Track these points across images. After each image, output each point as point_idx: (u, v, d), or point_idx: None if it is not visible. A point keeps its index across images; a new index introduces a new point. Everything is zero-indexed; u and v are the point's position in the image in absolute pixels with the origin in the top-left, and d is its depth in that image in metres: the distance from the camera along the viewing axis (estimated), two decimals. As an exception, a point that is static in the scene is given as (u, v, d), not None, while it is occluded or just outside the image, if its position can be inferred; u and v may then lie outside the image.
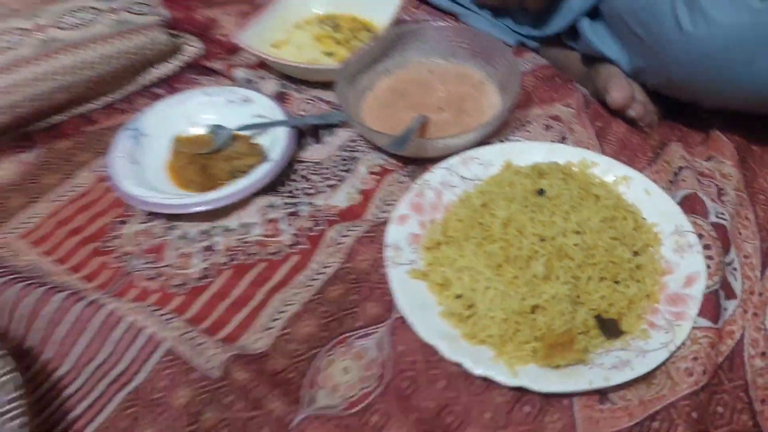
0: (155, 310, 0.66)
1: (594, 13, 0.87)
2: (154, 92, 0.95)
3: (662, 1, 0.72)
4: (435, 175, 0.73)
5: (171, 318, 0.65)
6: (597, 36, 0.86)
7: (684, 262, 0.61)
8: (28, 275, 0.68)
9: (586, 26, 0.88)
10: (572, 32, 0.94)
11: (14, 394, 0.53)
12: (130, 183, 0.76)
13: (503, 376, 0.55)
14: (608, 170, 0.72)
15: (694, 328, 0.57)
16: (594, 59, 0.90)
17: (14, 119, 0.85)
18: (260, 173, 0.76)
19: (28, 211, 0.79)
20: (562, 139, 0.80)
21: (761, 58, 0.66)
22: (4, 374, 0.54)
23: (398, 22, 0.96)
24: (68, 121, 0.91)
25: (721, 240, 0.64)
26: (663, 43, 0.72)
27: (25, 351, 0.63)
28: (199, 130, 0.86)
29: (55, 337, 0.63)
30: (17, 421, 0.52)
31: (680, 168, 0.73)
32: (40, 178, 0.84)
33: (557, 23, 0.94)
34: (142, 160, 0.81)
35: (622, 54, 0.82)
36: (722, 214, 0.66)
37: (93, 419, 0.59)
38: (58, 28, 0.87)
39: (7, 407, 0.52)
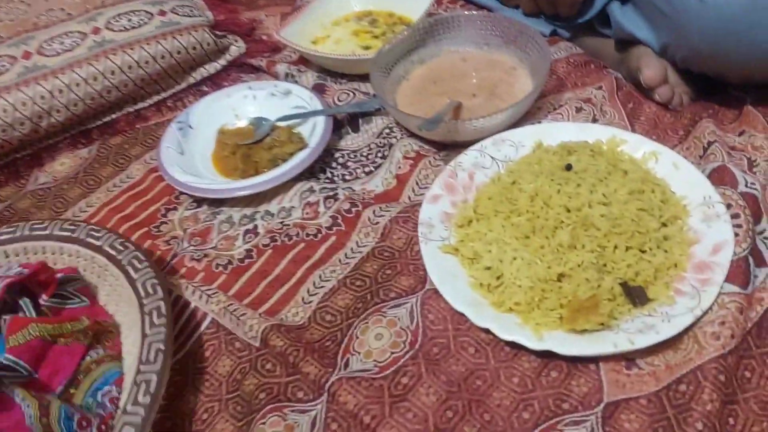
0: (200, 286, 0.70)
1: (623, -3, 0.88)
2: (201, 90, 1.01)
3: None
4: (467, 156, 0.75)
5: (215, 293, 0.69)
6: (626, 18, 0.87)
7: (711, 231, 0.62)
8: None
9: (616, 10, 0.89)
10: (604, 18, 0.95)
11: (159, 321, 0.59)
12: (177, 171, 0.81)
13: (530, 340, 0.57)
14: (637, 147, 0.72)
15: (721, 293, 0.58)
16: (626, 43, 0.91)
17: (71, 117, 0.92)
18: (299, 159, 0.80)
19: (85, 200, 0.85)
20: (593, 120, 0.81)
21: None
22: (155, 301, 0.61)
23: (433, 15, 0.99)
24: (121, 118, 0.97)
25: (751, 209, 0.64)
26: (685, 15, 0.72)
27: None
28: (243, 123, 0.90)
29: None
30: (157, 346, 0.57)
31: (710, 143, 0.73)
32: (96, 171, 0.90)
33: (588, 11, 0.95)
34: (189, 150, 0.86)
35: (650, 33, 0.82)
36: (753, 184, 0.66)
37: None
38: (112, 30, 0.93)
39: (153, 331, 0.58)
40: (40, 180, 0.90)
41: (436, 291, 0.64)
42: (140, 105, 0.98)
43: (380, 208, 0.75)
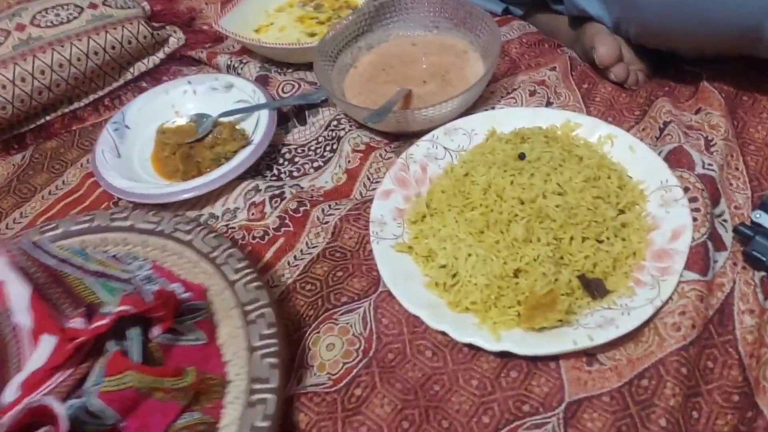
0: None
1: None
2: (140, 86, 0.96)
3: None
4: (419, 148, 0.72)
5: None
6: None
7: (669, 217, 0.60)
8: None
9: (568, -15, 0.86)
10: (557, -5, 0.92)
11: (267, 331, 0.54)
12: (114, 175, 0.76)
13: (487, 341, 0.54)
14: (592, 130, 0.70)
15: (681, 281, 0.56)
16: (580, 20, 0.88)
17: (1, 121, 0.86)
18: (242, 157, 0.76)
19: (19, 210, 0.80)
20: (548, 104, 0.79)
21: None
22: (261, 308, 0.56)
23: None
24: (56, 120, 0.91)
25: (708, 191, 0.62)
26: None
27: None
28: (183, 120, 0.86)
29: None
30: (269, 360, 0.53)
31: (666, 123, 0.71)
32: (30, 178, 0.85)
33: None
34: (126, 152, 0.81)
35: (602, 8, 0.80)
36: (710, 165, 0.64)
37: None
38: (38, 26, 0.88)
39: (261, 343, 0.53)
40: (-30, 188, 0.84)
41: (389, 293, 0.61)
42: (75, 105, 0.93)
43: (329, 206, 0.72)
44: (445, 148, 0.72)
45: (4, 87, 0.84)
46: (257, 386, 0.51)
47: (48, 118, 0.91)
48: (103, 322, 0.52)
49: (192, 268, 0.62)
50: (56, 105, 0.91)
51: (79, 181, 0.82)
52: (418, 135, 0.74)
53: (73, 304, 0.56)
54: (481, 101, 0.80)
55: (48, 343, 0.54)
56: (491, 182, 0.62)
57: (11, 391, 0.53)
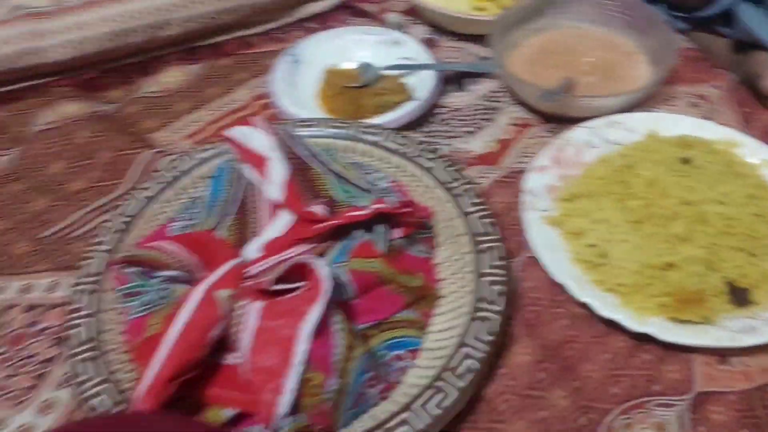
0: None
1: (755, -2, 0.86)
2: (308, 26, 1.01)
3: None
4: (578, 133, 0.75)
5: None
6: (756, 22, 0.85)
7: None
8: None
9: (746, 11, 0.87)
10: (725, 17, 0.93)
11: (498, 263, 0.60)
12: (288, 102, 0.82)
13: (630, 321, 0.58)
14: (754, 152, 0.72)
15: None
16: (746, 45, 0.89)
17: (184, 33, 0.94)
18: (405, 110, 0.81)
19: (192, 115, 0.88)
20: (707, 119, 0.81)
21: None
22: (493, 242, 0.62)
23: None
24: (230, 42, 0.98)
25: None
26: None
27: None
28: (350, 65, 0.91)
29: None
30: (497, 287, 0.58)
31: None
32: (203, 89, 0.92)
33: (712, 7, 0.93)
34: (297, 84, 0.88)
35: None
36: None
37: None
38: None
39: (491, 270, 0.59)
40: (151, 88, 0.92)
41: (534, 259, 0.65)
42: (248, 32, 1.00)
43: (481, 171, 0.76)
44: (603, 138, 0.75)
45: (193, 3, 0.91)
46: (482, 305, 0.57)
47: (223, 38, 0.98)
48: (363, 212, 0.61)
49: (424, 193, 0.68)
50: (232, 28, 0.98)
51: (248, 101, 0.89)
52: (573, 121, 0.77)
53: (312, 194, 0.63)
54: (640, 102, 0.82)
55: (285, 219, 0.65)
56: (656, 177, 0.65)
57: (253, 249, 0.63)
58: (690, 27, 0.99)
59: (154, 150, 0.81)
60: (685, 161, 0.68)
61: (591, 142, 0.75)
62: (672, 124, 0.75)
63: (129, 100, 0.90)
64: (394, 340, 0.59)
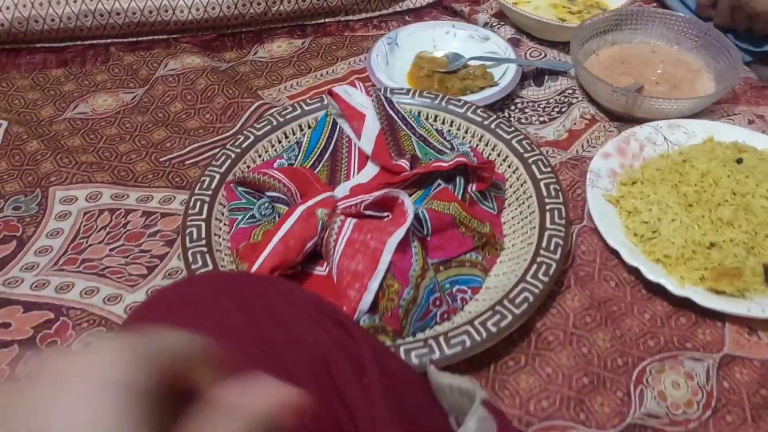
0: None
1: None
2: (404, 19, 1.12)
3: None
4: (643, 130, 0.83)
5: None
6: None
7: None
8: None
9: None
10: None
11: (559, 221, 0.69)
12: (383, 76, 0.93)
13: (673, 286, 0.65)
14: (803, 164, 0.78)
15: None
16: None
17: (296, 10, 1.05)
18: (488, 93, 0.90)
19: (295, 80, 0.99)
20: (763, 133, 0.87)
21: None
22: (556, 204, 0.75)
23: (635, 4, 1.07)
24: (333, 24, 1.10)
25: None
26: None
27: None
28: (439, 54, 1.01)
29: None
30: (557, 240, 0.71)
31: None
32: (307, 60, 1.03)
33: None
34: (392, 63, 0.98)
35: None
36: None
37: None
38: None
39: (552, 227, 0.68)
40: (259, 54, 1.04)
41: (591, 229, 0.73)
42: (350, 18, 1.11)
43: (551, 152, 0.85)
44: (665, 137, 0.83)
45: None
46: (542, 253, 0.66)
47: (327, 20, 1.10)
48: (445, 163, 0.70)
49: (499, 159, 0.78)
50: (336, 12, 1.10)
51: (345, 74, 1.00)
52: (638, 121, 0.85)
53: (398, 152, 0.74)
54: (701, 114, 0.90)
55: (372, 169, 0.77)
56: (710, 170, 0.73)
57: (342, 190, 0.75)
58: (753, 59, 1.06)
59: (262, 101, 0.92)
60: (738, 161, 0.75)
61: (653, 139, 0.83)
62: (729, 132, 0.82)
63: (242, 61, 1.02)
64: (459, 277, 0.68)
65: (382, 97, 0.81)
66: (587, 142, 0.87)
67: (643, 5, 1.08)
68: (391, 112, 0.80)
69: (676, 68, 0.95)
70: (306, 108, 0.84)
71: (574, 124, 0.89)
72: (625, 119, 0.90)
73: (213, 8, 1.01)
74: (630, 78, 0.93)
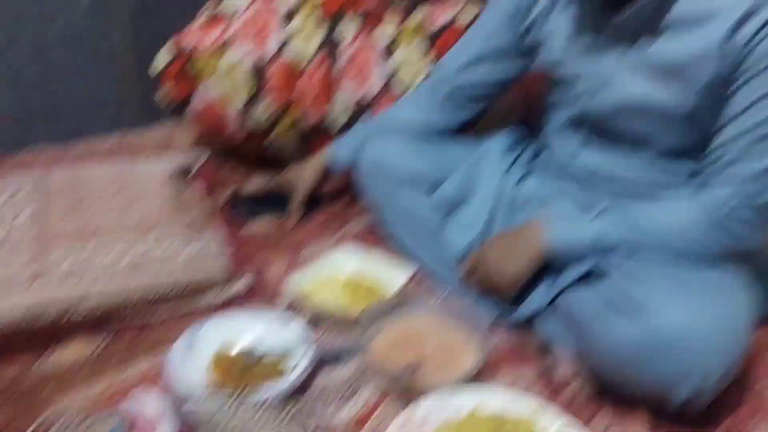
0: None
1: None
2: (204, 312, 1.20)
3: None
4: (419, 409, 0.94)
5: None
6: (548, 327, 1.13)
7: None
8: None
9: (546, 322, 1.13)
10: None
11: None
12: (182, 376, 0.97)
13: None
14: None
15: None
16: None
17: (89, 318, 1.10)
18: (284, 382, 0.98)
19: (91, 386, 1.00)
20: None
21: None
22: None
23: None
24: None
25: None
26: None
27: None
28: (240, 346, 1.09)
29: None
30: None
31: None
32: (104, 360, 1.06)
33: (521, 312, 1.16)
34: (193, 359, 1.03)
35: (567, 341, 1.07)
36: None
37: None
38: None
39: None
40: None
41: None
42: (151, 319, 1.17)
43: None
44: (435, 414, 0.94)
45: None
46: None
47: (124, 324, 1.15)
48: None
49: None
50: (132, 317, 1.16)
51: (145, 373, 1.02)
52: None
53: None
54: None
55: None
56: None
57: None
58: (513, 327, 1.23)
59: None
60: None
61: (421, 417, 0.93)
62: (493, 400, 0.95)
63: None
64: None
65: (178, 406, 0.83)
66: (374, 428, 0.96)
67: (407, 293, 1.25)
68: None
69: (450, 340, 1.10)
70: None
71: (365, 405, 0.99)
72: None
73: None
74: (410, 353, 1.06)
